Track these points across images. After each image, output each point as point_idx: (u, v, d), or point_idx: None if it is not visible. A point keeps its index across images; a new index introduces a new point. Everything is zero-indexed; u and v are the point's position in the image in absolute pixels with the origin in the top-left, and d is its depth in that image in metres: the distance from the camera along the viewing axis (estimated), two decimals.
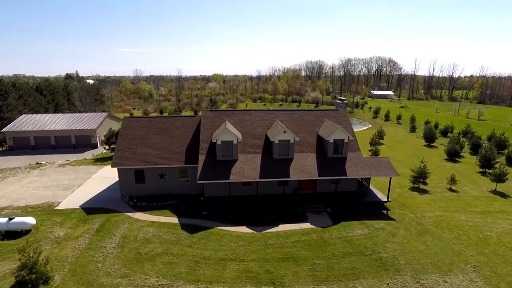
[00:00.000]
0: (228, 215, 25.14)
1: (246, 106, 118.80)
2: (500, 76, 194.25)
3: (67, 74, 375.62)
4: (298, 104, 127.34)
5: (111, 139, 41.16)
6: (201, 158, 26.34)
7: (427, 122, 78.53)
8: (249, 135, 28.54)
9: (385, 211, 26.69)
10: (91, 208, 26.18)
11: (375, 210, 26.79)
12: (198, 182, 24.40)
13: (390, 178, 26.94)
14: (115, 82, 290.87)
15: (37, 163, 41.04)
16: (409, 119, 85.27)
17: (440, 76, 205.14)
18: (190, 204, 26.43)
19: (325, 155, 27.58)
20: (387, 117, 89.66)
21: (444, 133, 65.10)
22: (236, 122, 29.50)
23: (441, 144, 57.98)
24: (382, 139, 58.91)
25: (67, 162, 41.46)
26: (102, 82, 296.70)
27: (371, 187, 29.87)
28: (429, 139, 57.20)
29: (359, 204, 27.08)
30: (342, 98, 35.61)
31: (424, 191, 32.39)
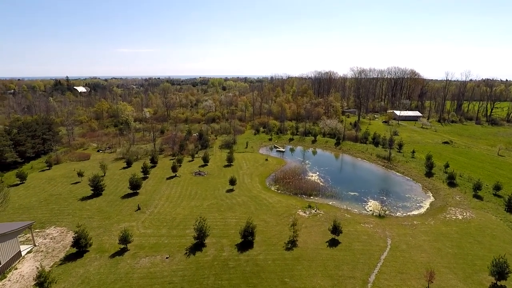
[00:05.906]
0: None
1: (247, 145, 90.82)
2: None
3: (56, 80, 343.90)
4: (314, 138, 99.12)
5: None
6: None
7: None
8: None
9: None
10: None
11: None
12: None
13: None
14: (110, 85, 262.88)
15: None
16: (492, 186, 57.64)
17: (476, 79, 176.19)
18: None
19: None
20: (451, 179, 61.50)
21: None
22: None
23: None
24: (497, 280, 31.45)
25: None
26: (93, 89, 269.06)
27: None
28: None
29: None
30: None
31: None
